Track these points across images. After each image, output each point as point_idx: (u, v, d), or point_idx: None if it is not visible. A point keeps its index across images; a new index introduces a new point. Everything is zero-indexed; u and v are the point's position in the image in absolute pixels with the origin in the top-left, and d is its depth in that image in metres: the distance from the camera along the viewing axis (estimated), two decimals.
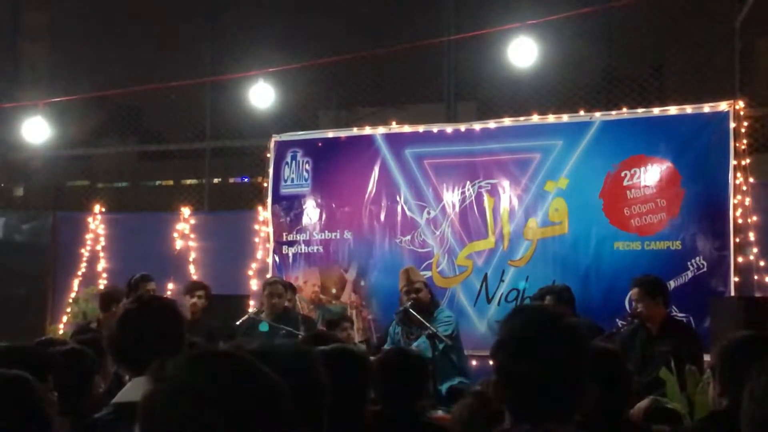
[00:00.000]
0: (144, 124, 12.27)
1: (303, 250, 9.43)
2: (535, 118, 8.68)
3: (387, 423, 3.68)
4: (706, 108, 8.04)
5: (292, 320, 7.60)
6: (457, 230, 8.77)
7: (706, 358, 6.21)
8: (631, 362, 6.04)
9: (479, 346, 8.16)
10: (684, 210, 7.95)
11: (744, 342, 3.33)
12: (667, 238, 7.98)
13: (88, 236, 10.45)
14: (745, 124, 7.95)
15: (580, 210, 8.32)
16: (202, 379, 1.48)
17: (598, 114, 8.47)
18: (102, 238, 10.44)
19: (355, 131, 9.52)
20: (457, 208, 8.80)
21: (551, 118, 8.62)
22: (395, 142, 9.13)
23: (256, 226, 9.72)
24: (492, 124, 8.84)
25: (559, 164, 8.41)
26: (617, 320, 7.45)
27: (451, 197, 8.83)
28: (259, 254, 9.64)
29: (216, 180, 11.40)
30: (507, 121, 8.82)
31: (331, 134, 9.57)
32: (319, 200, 9.44)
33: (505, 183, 8.63)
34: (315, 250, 9.39)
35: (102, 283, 9.91)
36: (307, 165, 9.51)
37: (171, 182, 13.69)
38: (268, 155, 9.68)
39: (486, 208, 8.68)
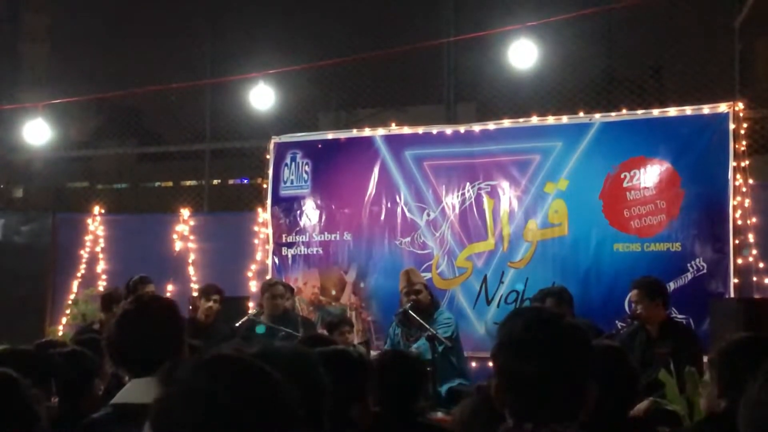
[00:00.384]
0: (144, 126, 12.27)
1: (302, 252, 9.43)
2: (535, 120, 8.68)
3: (386, 425, 3.68)
4: (706, 109, 8.04)
5: (292, 322, 7.60)
6: (457, 232, 8.77)
7: (706, 359, 6.21)
8: None
9: (479, 348, 8.17)
10: (684, 211, 7.95)
11: (743, 343, 3.33)
12: (666, 240, 7.98)
13: (88, 237, 10.45)
14: (745, 125, 7.96)
15: (580, 211, 8.32)
16: (214, 384, 1.48)
17: (597, 115, 8.47)
18: (101, 240, 10.44)
19: (354, 133, 9.52)
20: (456, 210, 8.80)
21: (551, 120, 8.62)
22: (395, 143, 9.13)
23: (256, 228, 9.72)
24: (492, 126, 8.84)
25: (558, 166, 8.41)
26: (617, 322, 7.43)
27: (451, 199, 8.83)
28: (259, 256, 9.64)
29: (215, 181, 11.41)
30: (506, 123, 8.82)
31: (330, 136, 9.57)
32: (318, 202, 9.43)
33: (505, 184, 8.63)
34: (315, 252, 9.39)
35: (101, 285, 9.90)
36: (306, 166, 9.51)
37: (170, 183, 13.68)
38: (268, 157, 9.68)
39: (486, 210, 8.68)
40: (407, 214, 8.99)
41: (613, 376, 3.61)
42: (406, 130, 9.18)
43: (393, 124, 9.29)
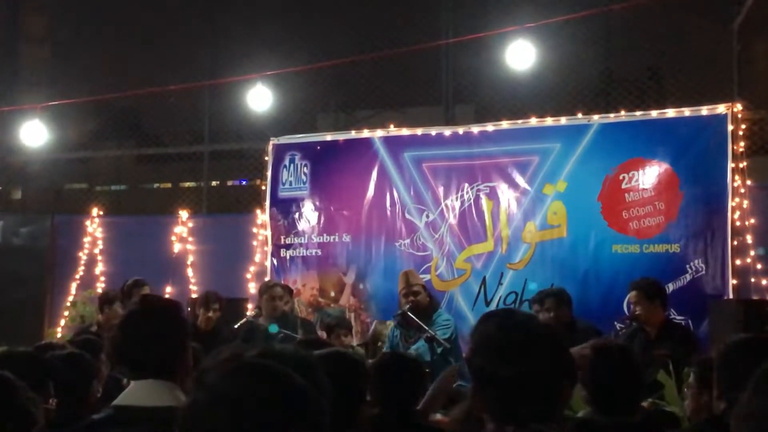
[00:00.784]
0: (142, 128, 12.27)
1: (301, 253, 9.43)
2: (533, 121, 8.68)
3: (385, 426, 3.68)
4: (704, 111, 8.05)
5: (291, 324, 7.59)
6: (456, 233, 8.77)
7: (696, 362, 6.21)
8: None
9: None
10: (682, 213, 7.95)
11: (742, 345, 3.33)
12: (665, 241, 7.98)
13: (87, 239, 10.45)
14: (743, 126, 7.96)
15: (579, 213, 8.32)
16: (241, 391, 1.50)
17: (596, 117, 8.47)
18: (100, 242, 10.43)
19: (353, 134, 9.52)
20: (455, 211, 8.80)
21: (549, 121, 8.62)
22: (394, 145, 9.13)
23: (255, 229, 9.72)
24: (490, 127, 8.85)
25: (557, 167, 8.41)
26: (616, 323, 7.43)
27: (450, 200, 8.84)
28: (258, 257, 9.64)
29: (214, 183, 11.41)
30: (505, 124, 8.82)
31: (329, 137, 9.57)
32: (317, 203, 9.44)
33: (504, 186, 8.64)
34: (313, 253, 9.39)
35: (100, 287, 9.90)
36: (305, 168, 9.51)
37: (169, 185, 13.69)
38: (267, 158, 9.69)
39: (484, 211, 8.68)
40: (406, 216, 9.00)
41: (618, 375, 3.63)
42: (405, 131, 9.18)
43: (392, 126, 9.29)
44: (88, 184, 13.56)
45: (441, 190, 8.89)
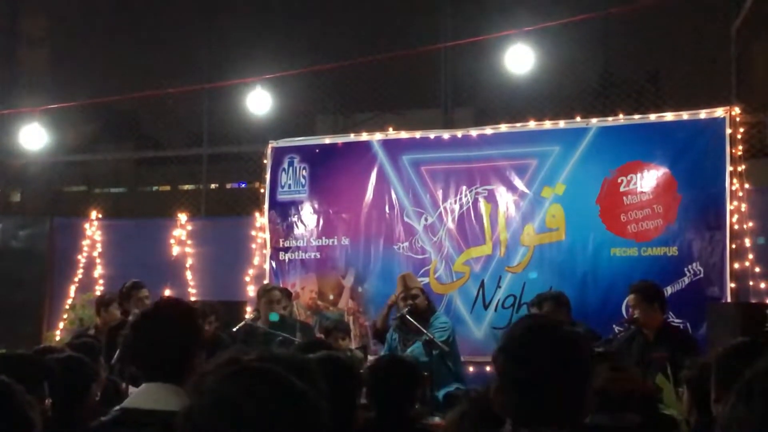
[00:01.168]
0: (141, 130, 12.28)
1: (300, 256, 9.44)
2: (532, 124, 8.69)
3: (381, 429, 3.69)
4: (703, 114, 8.06)
5: (289, 327, 7.60)
6: (455, 236, 8.77)
7: (688, 364, 6.21)
8: None
9: (476, 352, 8.18)
10: (680, 216, 7.97)
11: (739, 348, 3.34)
12: (663, 244, 7.99)
13: (85, 242, 10.45)
14: (741, 130, 7.97)
15: (577, 216, 8.33)
16: (241, 395, 1.50)
17: (594, 120, 8.48)
18: (99, 244, 10.43)
19: (352, 137, 9.52)
20: (454, 215, 8.81)
21: (548, 124, 8.63)
22: (392, 148, 9.14)
23: (253, 232, 9.72)
24: (489, 131, 8.86)
25: (555, 170, 8.42)
26: (614, 326, 7.46)
27: (449, 203, 8.84)
28: (256, 260, 9.64)
29: (213, 186, 11.41)
30: (504, 127, 8.83)
31: (328, 140, 9.57)
32: (316, 206, 9.44)
33: (502, 189, 8.64)
34: (312, 257, 9.39)
35: (99, 290, 9.89)
36: (304, 171, 9.52)
37: (168, 188, 13.69)
38: (266, 161, 9.69)
39: (483, 215, 8.69)
40: (405, 219, 9.00)
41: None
42: (404, 134, 9.19)
43: (390, 129, 9.30)
44: (87, 186, 13.55)
45: (440, 193, 8.90)
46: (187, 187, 11.82)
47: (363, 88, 10.16)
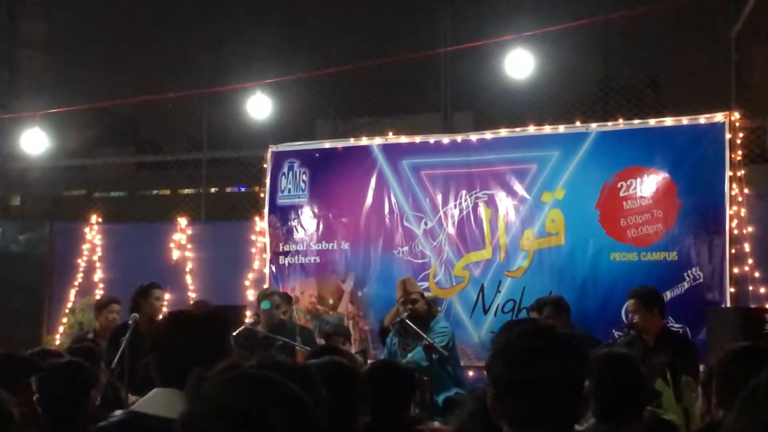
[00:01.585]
0: (141, 135, 12.30)
1: (300, 261, 9.44)
2: (532, 129, 8.70)
3: None
4: (702, 119, 8.07)
5: (289, 331, 7.60)
6: (454, 241, 8.78)
7: (702, 368, 6.22)
8: None
9: (475, 357, 8.19)
10: (680, 221, 7.97)
11: (740, 353, 3.34)
12: (663, 249, 8.00)
13: (85, 246, 10.44)
14: (741, 135, 7.97)
15: (577, 221, 8.33)
16: (239, 401, 1.50)
17: (594, 125, 8.49)
18: (99, 249, 10.42)
19: (352, 142, 9.53)
20: (454, 219, 8.81)
21: (548, 129, 8.64)
22: (392, 152, 9.14)
23: (253, 237, 9.73)
24: (489, 135, 8.86)
25: (555, 175, 8.43)
26: (614, 331, 7.46)
27: (448, 208, 8.85)
28: (256, 264, 9.64)
29: (213, 190, 11.41)
30: (503, 132, 8.84)
31: (328, 145, 9.58)
32: (316, 210, 9.44)
33: (502, 194, 8.65)
34: (312, 261, 9.39)
35: (98, 294, 9.88)
36: (304, 175, 9.52)
37: (168, 192, 13.69)
38: (265, 166, 9.69)
39: (483, 219, 8.69)
40: (404, 223, 9.00)
41: (622, 383, 3.64)
42: (404, 139, 9.19)
43: (390, 133, 9.31)
44: (87, 191, 13.56)
45: (439, 198, 8.90)
46: (187, 191, 11.82)
47: (363, 93, 10.18)
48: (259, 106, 9.47)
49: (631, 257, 8.09)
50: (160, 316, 8.14)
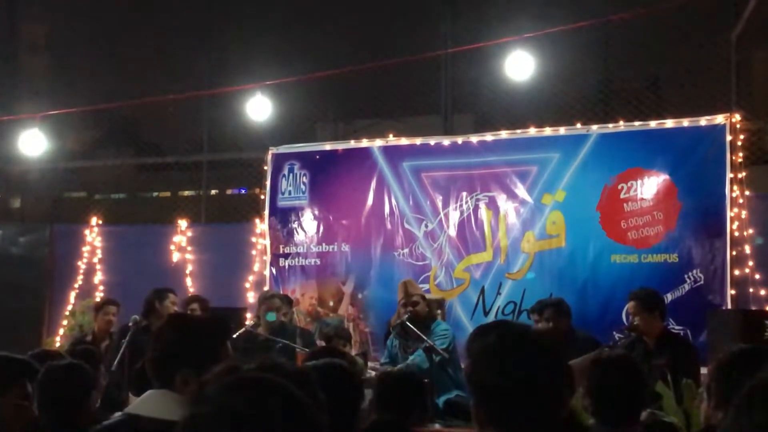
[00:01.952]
0: (141, 137, 12.27)
1: (300, 263, 9.43)
2: (532, 131, 8.69)
3: None
4: (703, 121, 8.06)
5: (289, 334, 7.59)
6: (455, 243, 8.77)
7: (703, 371, 6.21)
8: None
9: None
10: (681, 223, 7.96)
11: (739, 355, 3.33)
12: (664, 251, 7.99)
13: (85, 248, 10.45)
14: (742, 137, 7.97)
15: (578, 223, 8.33)
16: (243, 405, 1.50)
17: (594, 127, 8.48)
18: (99, 251, 10.42)
19: (352, 144, 9.53)
20: (454, 221, 8.81)
21: (548, 131, 8.64)
22: (393, 154, 9.14)
23: (254, 239, 9.72)
24: (489, 137, 8.86)
25: (556, 177, 8.42)
26: (614, 333, 7.45)
27: (449, 210, 8.84)
28: (256, 266, 9.64)
29: (213, 192, 11.40)
30: (504, 134, 8.83)
31: (328, 147, 9.58)
32: (316, 212, 9.44)
33: (503, 196, 8.64)
34: (312, 263, 9.39)
35: (99, 296, 9.88)
36: (304, 177, 9.52)
37: (168, 194, 13.68)
38: (266, 167, 9.69)
39: (483, 221, 8.69)
40: (405, 225, 9.00)
41: (621, 386, 3.64)
42: (404, 141, 9.19)
43: (391, 135, 9.31)
44: (87, 193, 13.55)
45: (440, 200, 8.90)
46: (187, 193, 11.81)
47: (363, 95, 10.18)
48: (259, 108, 9.47)
49: (631, 259, 8.09)
50: None
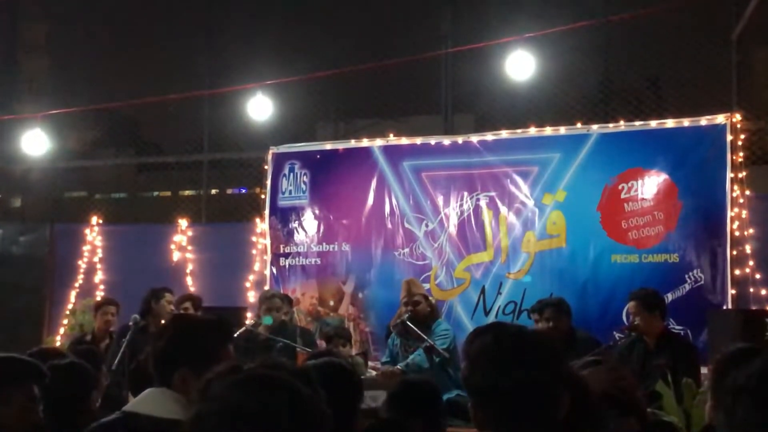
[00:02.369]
0: (142, 136, 12.28)
1: (301, 262, 9.43)
2: (533, 131, 8.69)
3: None
4: (703, 121, 8.06)
5: (290, 333, 7.59)
6: (455, 243, 8.77)
7: (703, 371, 6.22)
8: None
9: None
10: (681, 223, 7.96)
11: (736, 355, 3.33)
12: (664, 251, 7.99)
13: (86, 248, 10.45)
14: (742, 136, 7.97)
15: (578, 223, 8.32)
16: (249, 401, 1.52)
17: (595, 127, 8.48)
18: (99, 250, 10.43)
19: (352, 143, 9.53)
20: (455, 221, 8.81)
21: (548, 131, 8.63)
22: (393, 154, 9.14)
23: (254, 238, 9.73)
24: (489, 137, 8.86)
25: (556, 177, 8.42)
26: (615, 333, 7.45)
27: (449, 210, 8.84)
28: (257, 266, 9.64)
29: (214, 191, 11.41)
30: (504, 134, 8.83)
31: (328, 146, 9.58)
32: (316, 212, 9.44)
33: (503, 196, 8.64)
34: (313, 262, 9.39)
35: (99, 295, 9.89)
36: (305, 177, 9.52)
37: (169, 194, 13.69)
38: (266, 167, 9.69)
39: (484, 221, 8.69)
40: (406, 225, 9.00)
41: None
42: (404, 140, 9.19)
43: (391, 135, 9.30)
44: (88, 192, 13.56)
45: (440, 200, 8.90)
46: (187, 192, 11.82)
47: (364, 94, 10.18)
48: (259, 108, 9.47)
49: (632, 259, 8.09)
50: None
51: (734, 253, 7.77)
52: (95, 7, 11.99)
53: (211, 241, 10.10)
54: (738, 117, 7.99)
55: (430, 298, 7.86)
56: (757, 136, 8.39)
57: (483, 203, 8.71)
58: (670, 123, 8.22)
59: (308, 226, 9.45)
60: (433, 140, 9.08)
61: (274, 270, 9.52)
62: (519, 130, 8.79)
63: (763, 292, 7.71)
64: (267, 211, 9.63)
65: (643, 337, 6.61)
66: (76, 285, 10.35)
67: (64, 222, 11.15)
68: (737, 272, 7.76)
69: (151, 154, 12.16)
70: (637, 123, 8.41)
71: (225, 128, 10.72)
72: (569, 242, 8.33)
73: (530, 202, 8.51)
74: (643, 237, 8.08)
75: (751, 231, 7.83)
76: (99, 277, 10.32)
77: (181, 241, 10.12)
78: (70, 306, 10.24)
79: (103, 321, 8.00)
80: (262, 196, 9.73)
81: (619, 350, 6.71)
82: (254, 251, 9.69)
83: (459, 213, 8.80)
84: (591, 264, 8.22)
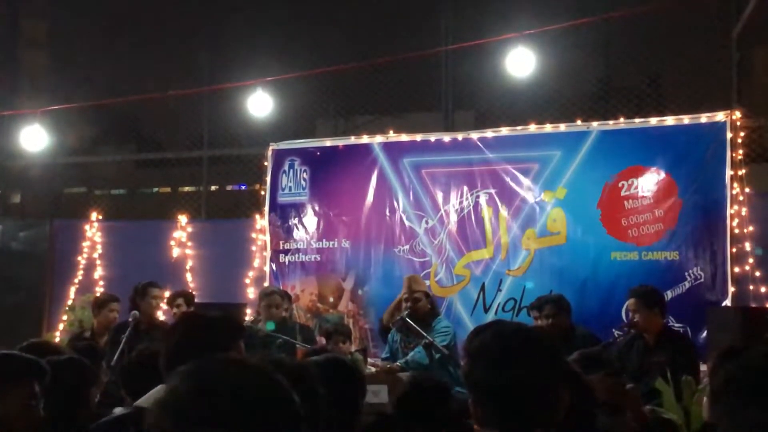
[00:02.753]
0: (142, 132, 12.29)
1: (300, 259, 9.43)
2: (533, 128, 8.69)
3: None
4: (703, 118, 8.06)
5: (289, 330, 7.59)
6: (455, 240, 8.77)
7: (703, 368, 6.22)
8: (628, 372, 6.05)
9: None
10: (681, 220, 7.96)
11: (728, 353, 3.33)
12: (664, 249, 7.99)
13: (85, 244, 10.45)
14: (742, 134, 7.96)
15: (578, 220, 8.33)
16: (217, 383, 1.53)
17: (595, 124, 8.48)
18: (99, 246, 10.43)
19: (352, 140, 9.52)
20: (455, 218, 8.81)
21: (549, 128, 8.63)
22: (393, 151, 9.14)
23: (254, 235, 9.72)
24: (490, 134, 8.85)
25: (557, 174, 8.42)
26: (614, 330, 7.46)
27: (449, 207, 8.84)
28: (257, 262, 9.64)
29: (213, 188, 11.40)
30: (505, 131, 8.83)
31: (329, 143, 9.58)
32: (316, 209, 9.44)
33: (503, 193, 8.64)
34: (312, 259, 9.39)
35: (99, 291, 9.89)
36: (305, 173, 9.52)
37: (168, 190, 13.69)
38: (266, 163, 9.69)
39: (484, 218, 8.69)
40: (405, 222, 9.00)
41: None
42: (404, 137, 9.19)
43: (391, 132, 9.30)
44: (87, 188, 13.55)
45: (440, 197, 8.89)
46: (187, 189, 11.82)
47: (364, 91, 10.17)
48: (259, 104, 9.47)
49: (632, 257, 8.09)
50: (160, 315, 8.18)
51: (734, 250, 7.77)
52: (95, 3, 11.98)
53: (211, 237, 10.10)
54: (738, 114, 7.99)
55: (431, 294, 7.86)
56: (757, 134, 8.39)
57: (483, 200, 8.70)
58: (670, 120, 8.21)
59: (308, 223, 9.44)
60: (433, 137, 9.07)
61: (274, 266, 9.51)
62: (519, 127, 8.79)
63: (763, 289, 7.71)
64: (267, 208, 9.62)
65: (643, 335, 6.62)
66: (76, 281, 10.35)
67: (63, 218, 11.15)
68: (737, 270, 7.76)
69: (150, 150, 12.17)
70: (638, 120, 8.40)
71: (225, 124, 10.71)
72: (569, 239, 8.33)
73: (530, 200, 8.51)
74: (643, 234, 8.08)
75: (750, 229, 7.83)
76: (98, 273, 10.32)
77: (181, 238, 10.12)
78: (69, 302, 10.24)
79: (108, 318, 7.96)
80: (262, 193, 9.73)
81: (619, 348, 6.71)
82: (254, 248, 9.69)
83: (459, 210, 8.80)
84: (591, 261, 8.22)
